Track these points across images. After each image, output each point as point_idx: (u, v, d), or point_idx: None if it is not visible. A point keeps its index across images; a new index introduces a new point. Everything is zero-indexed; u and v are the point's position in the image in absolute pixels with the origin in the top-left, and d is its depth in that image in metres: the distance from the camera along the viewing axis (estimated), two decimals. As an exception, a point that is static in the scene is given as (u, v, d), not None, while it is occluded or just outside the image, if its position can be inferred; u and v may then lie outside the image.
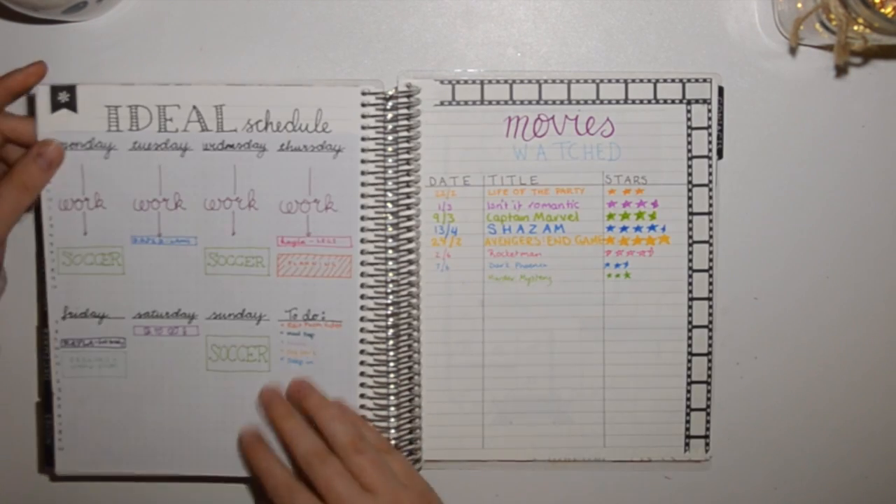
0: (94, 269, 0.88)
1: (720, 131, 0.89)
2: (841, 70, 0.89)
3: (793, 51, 0.89)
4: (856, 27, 0.77)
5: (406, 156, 0.88)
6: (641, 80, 0.89)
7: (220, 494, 0.95)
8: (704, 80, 0.89)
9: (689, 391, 0.91)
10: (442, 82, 0.89)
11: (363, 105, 0.87)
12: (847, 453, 0.93)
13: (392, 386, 0.89)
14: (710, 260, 0.90)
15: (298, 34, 0.90)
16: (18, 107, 0.90)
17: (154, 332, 0.88)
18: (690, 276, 0.90)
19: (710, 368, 0.90)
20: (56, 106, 0.86)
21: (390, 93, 0.87)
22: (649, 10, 0.89)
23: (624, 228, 0.90)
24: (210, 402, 0.89)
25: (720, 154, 0.89)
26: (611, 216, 0.90)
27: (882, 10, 0.75)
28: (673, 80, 0.89)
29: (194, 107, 0.86)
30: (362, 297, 0.88)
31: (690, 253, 0.90)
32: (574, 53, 0.90)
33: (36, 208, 0.88)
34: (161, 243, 0.88)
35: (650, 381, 0.91)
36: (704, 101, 0.89)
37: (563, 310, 0.91)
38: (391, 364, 0.89)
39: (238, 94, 0.86)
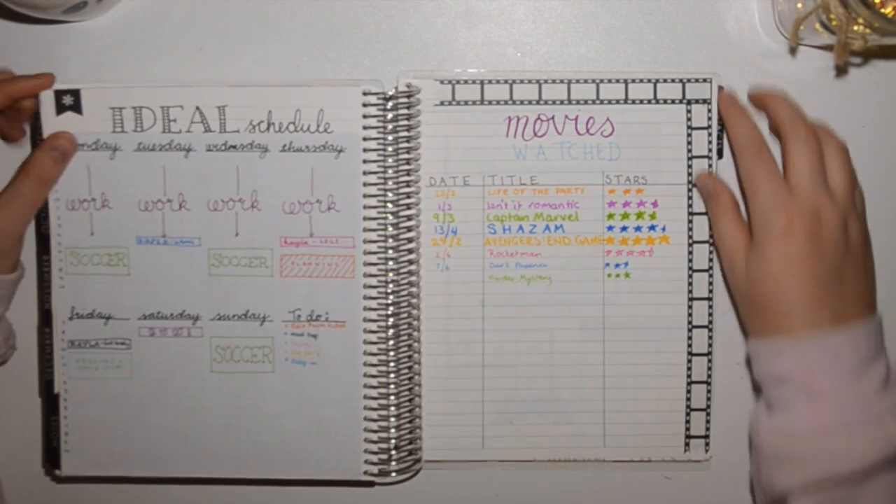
0: (101, 270, 0.89)
1: (720, 131, 0.89)
2: (841, 70, 0.89)
3: (793, 51, 0.89)
4: (856, 27, 0.77)
5: (406, 156, 0.88)
6: (641, 81, 0.89)
7: (225, 497, 0.95)
8: (704, 80, 0.89)
9: (689, 391, 0.91)
10: (442, 82, 0.89)
11: (364, 105, 0.87)
12: None
13: (392, 386, 0.90)
14: (711, 260, 0.90)
15: (298, 34, 0.90)
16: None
17: (159, 333, 0.89)
18: (690, 276, 0.91)
19: (710, 368, 0.91)
20: (61, 109, 0.87)
21: (390, 93, 0.88)
22: (649, 10, 0.90)
23: (624, 228, 0.91)
24: (214, 403, 0.90)
25: (720, 154, 0.89)
26: (611, 216, 0.91)
27: (882, 10, 0.75)
28: (673, 81, 0.89)
29: (197, 107, 0.87)
30: (365, 297, 0.89)
31: (690, 253, 0.90)
32: (574, 53, 0.90)
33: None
34: (165, 244, 0.89)
35: (650, 381, 0.92)
36: (704, 101, 0.89)
37: (563, 310, 0.91)
38: (391, 364, 0.89)
39: (240, 95, 0.87)
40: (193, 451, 0.91)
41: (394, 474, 0.90)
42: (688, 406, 0.92)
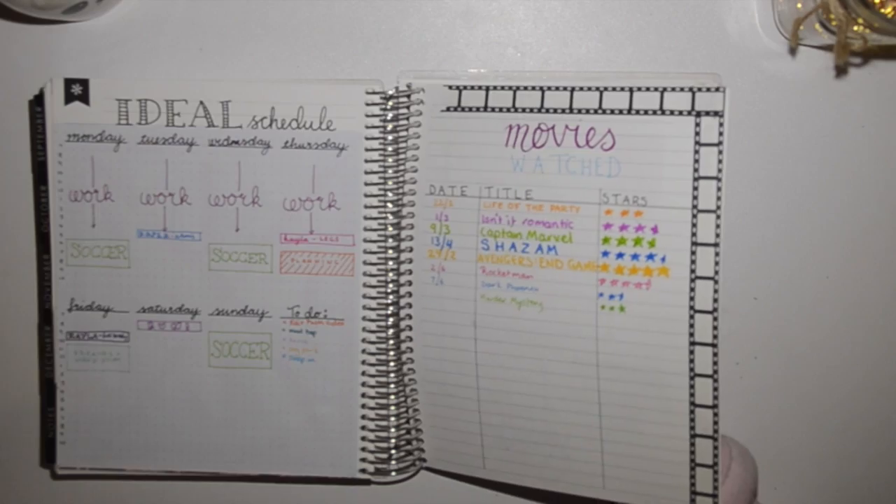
0: (101, 262, 0.90)
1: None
2: (841, 70, 0.90)
3: (793, 51, 0.89)
4: (856, 27, 0.77)
5: (406, 155, 0.89)
6: (647, 89, 0.83)
7: (221, 493, 0.97)
8: (717, 90, 0.82)
9: (693, 444, 0.84)
10: (450, 88, 0.88)
11: (367, 104, 0.88)
12: (847, 453, 0.94)
13: (392, 386, 0.91)
14: (716, 300, 0.82)
15: (298, 34, 0.91)
16: (22, 100, 0.92)
17: (157, 326, 0.91)
18: (692, 318, 0.83)
19: (716, 423, 0.83)
20: (69, 98, 0.88)
21: (391, 92, 0.89)
22: (649, 10, 0.90)
23: (620, 255, 0.84)
24: (212, 398, 0.91)
25: None
26: (606, 240, 0.84)
27: (882, 10, 0.75)
28: (682, 89, 0.82)
29: (201, 102, 0.88)
30: (364, 295, 0.90)
31: (693, 290, 0.83)
32: (574, 54, 0.91)
33: (36, 205, 0.91)
34: (166, 238, 0.90)
35: (650, 427, 0.85)
36: (716, 114, 0.82)
37: (553, 340, 0.86)
38: (391, 364, 0.91)
39: (244, 91, 0.88)
40: (189, 446, 0.92)
41: (394, 473, 0.91)
42: (692, 461, 0.84)
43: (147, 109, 0.89)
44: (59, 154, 0.89)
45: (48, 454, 0.92)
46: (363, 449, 0.91)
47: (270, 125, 0.89)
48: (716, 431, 0.83)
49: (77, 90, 0.88)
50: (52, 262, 0.90)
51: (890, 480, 0.95)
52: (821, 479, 0.95)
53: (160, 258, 0.90)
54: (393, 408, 0.91)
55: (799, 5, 0.83)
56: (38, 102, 0.89)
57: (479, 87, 0.87)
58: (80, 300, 0.91)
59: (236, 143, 0.89)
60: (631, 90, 0.84)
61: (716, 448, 0.83)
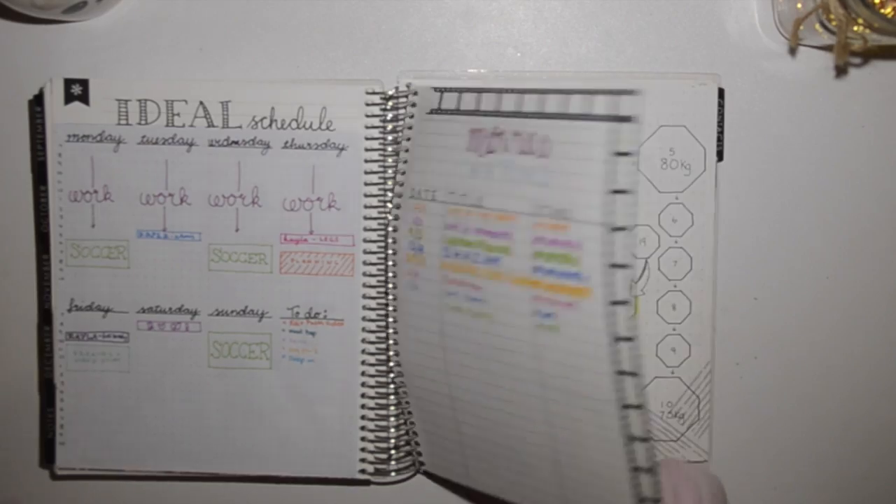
0: (101, 262, 0.90)
1: (720, 133, 0.88)
2: (841, 70, 0.90)
3: (793, 51, 0.90)
4: (856, 27, 0.78)
5: (403, 156, 0.89)
6: (580, 92, 0.76)
7: (221, 493, 0.96)
8: (632, 93, 0.74)
9: (635, 479, 0.76)
10: (435, 90, 0.87)
11: (367, 104, 0.89)
12: (847, 453, 0.94)
13: (391, 386, 0.91)
14: (632, 327, 0.74)
15: (298, 34, 0.91)
16: (22, 100, 0.92)
17: (157, 327, 0.91)
18: (613, 344, 0.74)
19: (652, 457, 0.76)
20: (69, 98, 0.88)
21: (390, 93, 0.89)
22: (649, 10, 0.90)
23: (550, 272, 0.77)
24: (211, 398, 0.91)
25: (720, 156, 0.88)
26: (538, 255, 0.78)
27: (882, 11, 0.76)
28: (607, 93, 0.75)
29: (201, 102, 0.89)
30: (364, 296, 0.90)
31: (610, 314, 0.74)
32: (574, 53, 0.91)
33: (36, 205, 0.91)
34: (166, 238, 0.90)
35: (594, 454, 0.78)
36: (631, 120, 0.74)
37: (502, 355, 0.81)
38: (391, 364, 0.90)
39: (244, 91, 0.89)
40: (189, 447, 0.92)
41: (393, 474, 0.92)
42: (638, 497, 0.77)
43: (147, 109, 0.89)
44: (58, 154, 0.89)
45: (48, 454, 0.92)
46: (363, 449, 0.91)
47: (270, 125, 0.89)
48: (653, 467, 0.76)
49: (77, 90, 0.88)
50: (51, 262, 0.90)
51: (890, 480, 0.95)
52: (821, 480, 0.95)
53: (160, 258, 0.90)
54: (392, 408, 0.91)
55: (799, 5, 0.83)
56: (37, 102, 0.90)
57: (455, 90, 0.86)
58: (79, 300, 0.91)
59: (236, 143, 0.89)
60: (568, 94, 0.78)
61: (656, 483, 0.76)
